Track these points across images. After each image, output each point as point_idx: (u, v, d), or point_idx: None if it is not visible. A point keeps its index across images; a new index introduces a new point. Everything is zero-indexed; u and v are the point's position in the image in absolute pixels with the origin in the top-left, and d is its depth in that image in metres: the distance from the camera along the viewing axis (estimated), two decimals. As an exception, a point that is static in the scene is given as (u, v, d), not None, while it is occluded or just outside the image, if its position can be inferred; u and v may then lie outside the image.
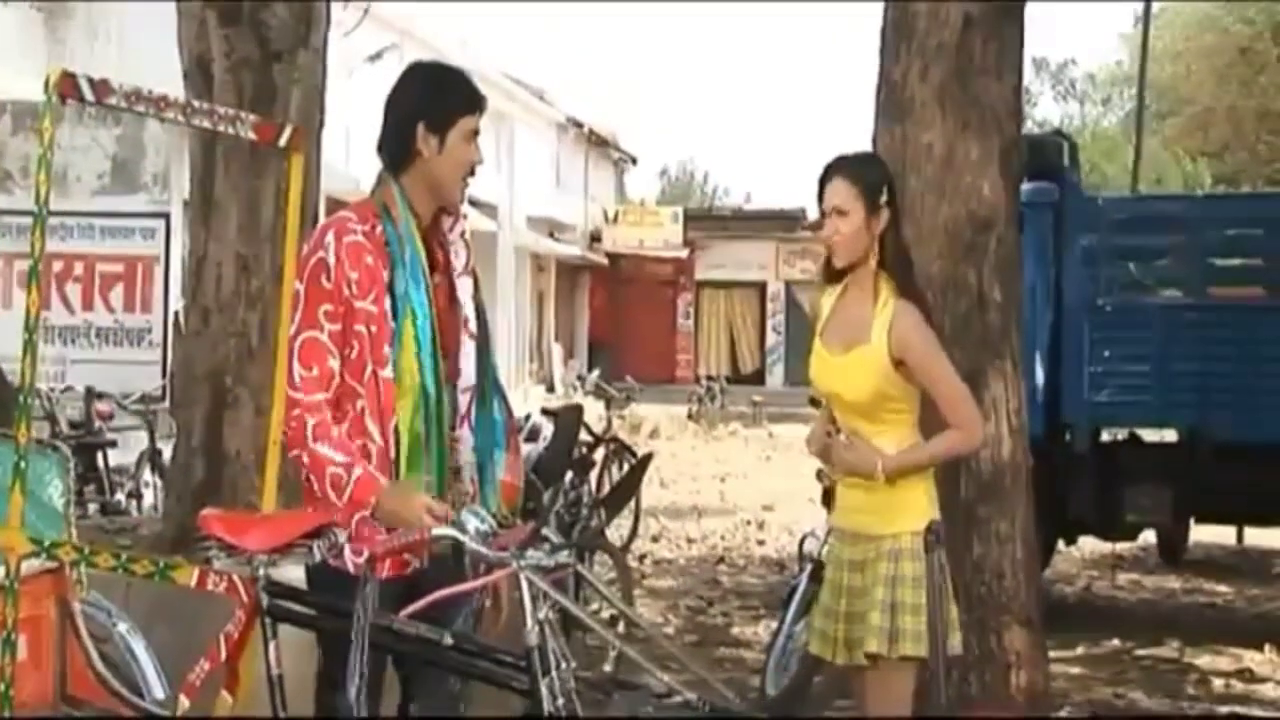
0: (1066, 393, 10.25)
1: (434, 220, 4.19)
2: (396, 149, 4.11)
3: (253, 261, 6.84)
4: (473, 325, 4.23)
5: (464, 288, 4.24)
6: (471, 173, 4.15)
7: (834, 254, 4.68)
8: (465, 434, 4.21)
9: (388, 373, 3.99)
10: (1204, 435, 10.25)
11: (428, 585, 3.70)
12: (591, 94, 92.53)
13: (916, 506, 4.56)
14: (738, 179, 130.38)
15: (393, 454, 4.00)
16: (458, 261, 4.24)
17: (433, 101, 4.12)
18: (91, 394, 12.05)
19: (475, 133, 4.13)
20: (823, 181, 4.68)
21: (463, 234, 4.27)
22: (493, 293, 29.67)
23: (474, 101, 4.15)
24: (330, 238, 4.00)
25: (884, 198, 4.62)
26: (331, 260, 3.97)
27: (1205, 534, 13.32)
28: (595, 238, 44.65)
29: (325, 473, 3.83)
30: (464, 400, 4.20)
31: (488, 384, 4.25)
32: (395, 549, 3.66)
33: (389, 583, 3.86)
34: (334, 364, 3.95)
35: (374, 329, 3.97)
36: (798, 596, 7.69)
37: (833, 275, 4.78)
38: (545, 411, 11.67)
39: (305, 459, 3.87)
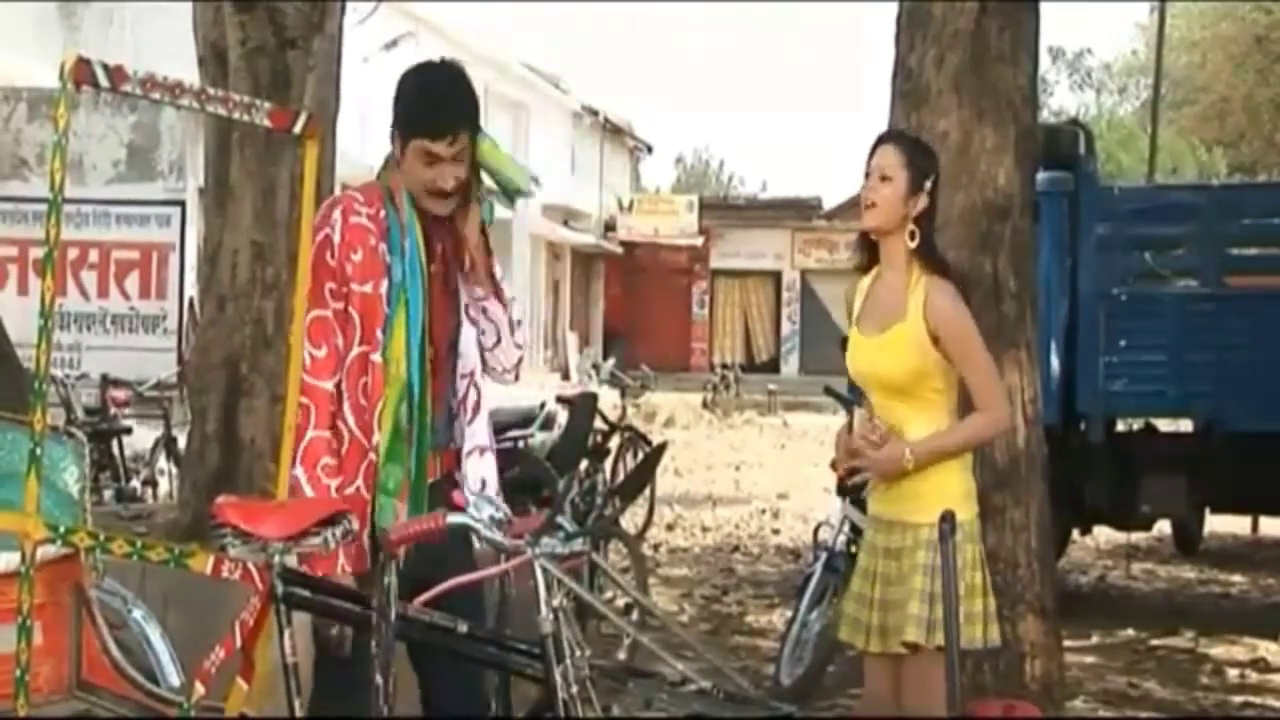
0: (1082, 382, 10.23)
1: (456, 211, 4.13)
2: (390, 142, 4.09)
3: (268, 249, 6.84)
4: (473, 311, 4.21)
5: (475, 279, 4.20)
6: (437, 193, 4.00)
7: (866, 215, 4.74)
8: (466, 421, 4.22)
9: (378, 357, 3.99)
10: (1219, 425, 10.22)
11: (440, 574, 3.70)
12: (607, 82, 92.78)
13: (952, 496, 4.55)
14: (753, 167, 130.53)
15: (374, 440, 4.00)
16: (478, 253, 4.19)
17: (399, 111, 4.05)
18: (107, 381, 12.09)
19: (435, 156, 3.95)
20: (875, 146, 4.76)
21: (481, 226, 4.21)
22: (508, 281, 29.66)
23: (431, 128, 3.95)
24: (337, 215, 4.01)
25: (927, 184, 4.67)
26: (336, 238, 3.99)
27: (1220, 524, 13.31)
28: (610, 226, 44.65)
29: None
30: (463, 385, 4.20)
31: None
32: (410, 536, 3.66)
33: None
34: (339, 342, 3.98)
35: (368, 313, 3.98)
36: (812, 585, 7.69)
37: (865, 263, 4.83)
38: (560, 399, 11.64)
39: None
